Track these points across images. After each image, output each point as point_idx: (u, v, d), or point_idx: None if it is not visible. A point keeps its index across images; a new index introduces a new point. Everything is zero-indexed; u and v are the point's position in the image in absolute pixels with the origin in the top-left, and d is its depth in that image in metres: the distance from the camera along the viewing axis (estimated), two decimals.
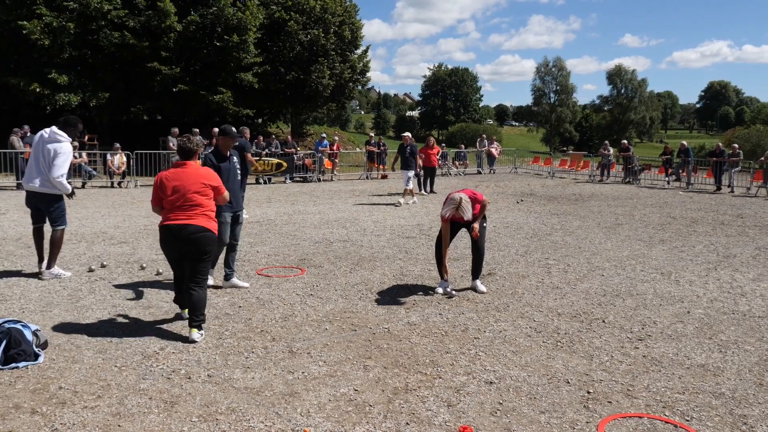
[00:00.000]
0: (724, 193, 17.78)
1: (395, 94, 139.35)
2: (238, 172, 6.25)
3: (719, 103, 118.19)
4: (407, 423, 3.50)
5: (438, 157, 17.30)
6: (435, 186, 16.72)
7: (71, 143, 6.57)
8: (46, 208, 6.54)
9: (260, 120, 33.69)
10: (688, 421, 3.61)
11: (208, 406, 3.65)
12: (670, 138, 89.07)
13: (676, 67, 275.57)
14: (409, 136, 15.05)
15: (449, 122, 77.77)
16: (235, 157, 6.21)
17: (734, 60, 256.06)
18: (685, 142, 21.71)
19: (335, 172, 21.46)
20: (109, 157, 17.09)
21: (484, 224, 6.36)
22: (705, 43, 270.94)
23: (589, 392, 3.96)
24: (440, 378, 4.14)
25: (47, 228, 6.61)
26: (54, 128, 6.45)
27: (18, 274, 6.71)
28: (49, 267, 6.56)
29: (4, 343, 4.17)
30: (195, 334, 4.73)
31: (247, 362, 4.34)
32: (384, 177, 21.39)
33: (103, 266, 7.10)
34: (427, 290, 6.36)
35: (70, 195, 6.70)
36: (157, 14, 22.81)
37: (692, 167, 19.95)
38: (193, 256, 4.78)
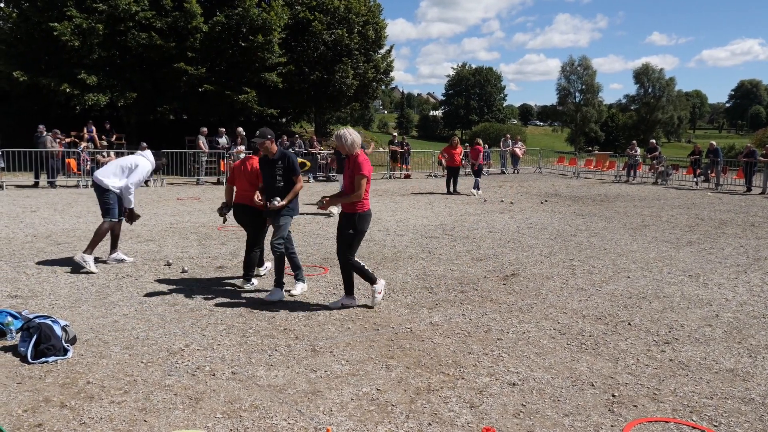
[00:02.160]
0: (754, 194, 17.37)
1: (419, 94, 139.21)
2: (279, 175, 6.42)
3: (750, 103, 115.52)
4: (429, 423, 3.49)
5: (461, 157, 17.24)
6: (459, 186, 16.67)
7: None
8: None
9: (284, 119, 33.92)
10: (716, 426, 3.53)
11: (232, 403, 3.69)
12: (698, 138, 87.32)
13: (705, 66, 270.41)
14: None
15: (473, 122, 77.39)
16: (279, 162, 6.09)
17: (766, 58, 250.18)
18: (714, 142, 21.29)
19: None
20: None
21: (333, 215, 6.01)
22: (735, 41, 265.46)
23: (614, 395, 3.90)
24: (463, 379, 4.12)
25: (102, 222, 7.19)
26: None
27: (48, 270, 6.86)
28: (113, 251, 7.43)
29: (34, 338, 4.27)
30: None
31: (270, 360, 4.38)
32: (407, 176, 21.37)
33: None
34: (451, 290, 6.34)
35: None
36: (183, 15, 23.12)
37: (721, 168, 19.54)
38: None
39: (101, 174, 7.14)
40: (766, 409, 3.75)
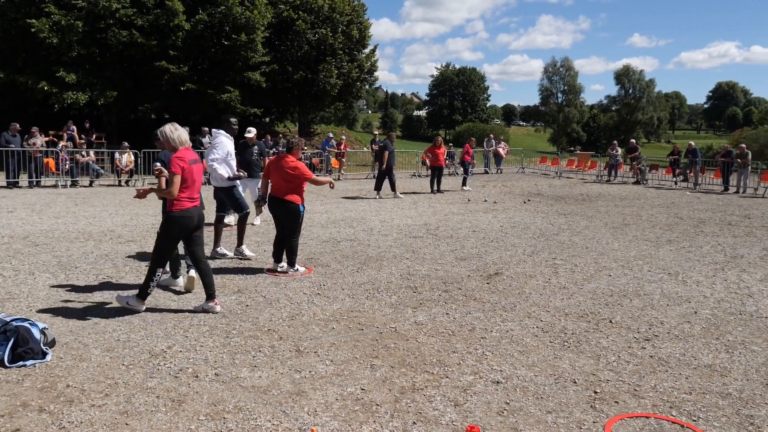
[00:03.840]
0: (731, 193, 17.67)
1: (402, 94, 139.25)
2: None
3: (727, 104, 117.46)
4: (414, 422, 3.50)
5: (445, 156, 17.31)
6: (443, 185, 16.72)
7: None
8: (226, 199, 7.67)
9: (268, 119, 33.75)
10: (695, 421, 3.59)
11: (216, 405, 3.66)
12: (677, 138, 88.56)
13: (684, 68, 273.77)
14: (253, 133, 9.44)
15: (456, 122, 77.64)
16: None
17: (742, 61, 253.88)
18: (692, 143, 21.61)
19: (342, 172, 21.48)
20: (117, 155, 17.17)
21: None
22: (713, 43, 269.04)
23: (596, 392, 3.94)
24: (447, 377, 4.14)
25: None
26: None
27: (26, 272, 6.75)
28: (238, 245, 7.77)
29: (12, 341, 4.19)
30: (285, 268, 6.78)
31: (254, 361, 4.35)
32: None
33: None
34: (435, 290, 6.36)
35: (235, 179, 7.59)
36: (165, 13, 22.90)
37: (700, 168, 19.84)
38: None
39: (217, 178, 7.45)
40: (743, 404, 3.82)
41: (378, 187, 15.07)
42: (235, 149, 7.83)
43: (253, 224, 9.92)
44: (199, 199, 5.38)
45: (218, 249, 7.73)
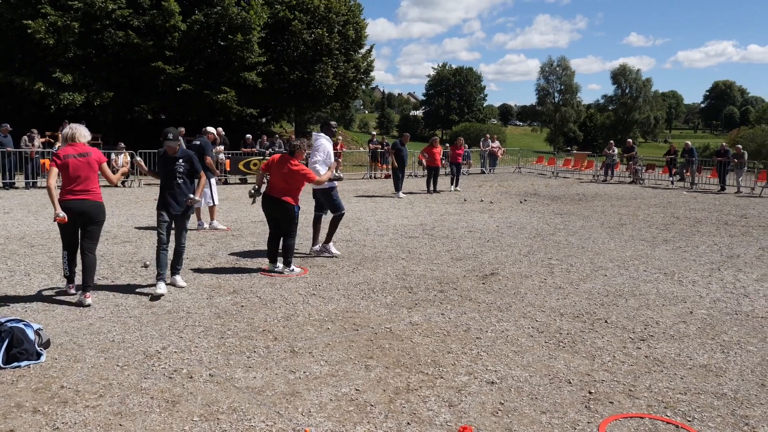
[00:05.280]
0: (728, 193, 17.71)
1: (399, 94, 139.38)
2: (179, 173, 6.14)
3: (724, 103, 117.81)
4: (408, 423, 3.50)
5: (441, 156, 17.33)
6: (439, 185, 16.73)
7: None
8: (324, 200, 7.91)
9: (264, 119, 33.75)
10: (689, 421, 3.59)
11: (210, 406, 3.66)
12: (674, 138, 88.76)
13: (681, 67, 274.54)
14: (212, 132, 9.82)
15: (453, 122, 77.72)
16: (181, 159, 6.14)
17: (739, 60, 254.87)
18: (689, 142, 21.66)
19: (338, 172, 21.44)
20: (113, 156, 17.13)
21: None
22: (710, 42, 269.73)
23: (590, 392, 3.95)
24: (442, 378, 4.14)
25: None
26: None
27: (21, 273, 6.73)
28: (326, 242, 8.01)
29: (6, 342, 4.18)
30: (289, 268, 6.92)
31: (248, 362, 4.35)
32: (388, 176, 21.35)
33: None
34: (430, 290, 6.36)
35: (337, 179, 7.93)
36: (161, 14, 22.88)
37: (696, 167, 19.89)
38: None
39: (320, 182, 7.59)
40: (738, 404, 3.82)
41: (398, 188, 15.49)
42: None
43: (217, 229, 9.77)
44: (87, 193, 5.50)
45: (315, 247, 8.02)
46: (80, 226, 5.56)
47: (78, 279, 5.79)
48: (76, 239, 5.65)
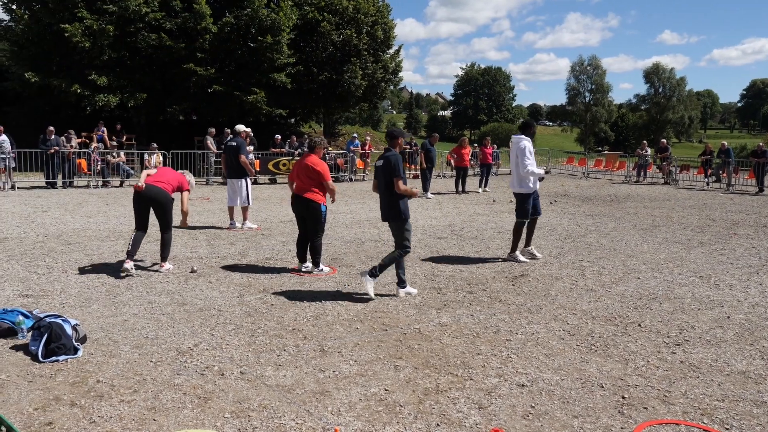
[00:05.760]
0: (767, 194, 17.20)
1: (427, 94, 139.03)
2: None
3: (762, 102, 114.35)
4: (438, 424, 3.48)
5: (470, 157, 17.25)
6: (468, 186, 16.64)
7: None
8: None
9: (293, 120, 33.99)
10: (727, 429, 3.50)
11: (241, 403, 3.70)
12: (709, 138, 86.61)
13: (717, 65, 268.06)
14: (246, 130, 10.37)
15: (481, 122, 77.22)
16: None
17: None
18: (725, 142, 21.11)
19: (367, 172, 21.52)
20: (146, 156, 17.46)
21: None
22: (747, 40, 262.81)
23: (624, 397, 3.87)
24: (471, 380, 4.11)
25: None
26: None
27: (59, 270, 6.91)
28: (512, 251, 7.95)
29: (45, 336, 4.30)
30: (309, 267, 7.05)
31: (278, 360, 4.38)
32: (415, 177, 21.32)
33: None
34: (459, 291, 6.32)
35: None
36: (193, 16, 23.23)
37: (733, 168, 19.36)
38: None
39: (528, 182, 7.65)
40: None
41: (426, 188, 15.53)
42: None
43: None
44: (158, 183, 6.81)
45: (516, 254, 7.87)
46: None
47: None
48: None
